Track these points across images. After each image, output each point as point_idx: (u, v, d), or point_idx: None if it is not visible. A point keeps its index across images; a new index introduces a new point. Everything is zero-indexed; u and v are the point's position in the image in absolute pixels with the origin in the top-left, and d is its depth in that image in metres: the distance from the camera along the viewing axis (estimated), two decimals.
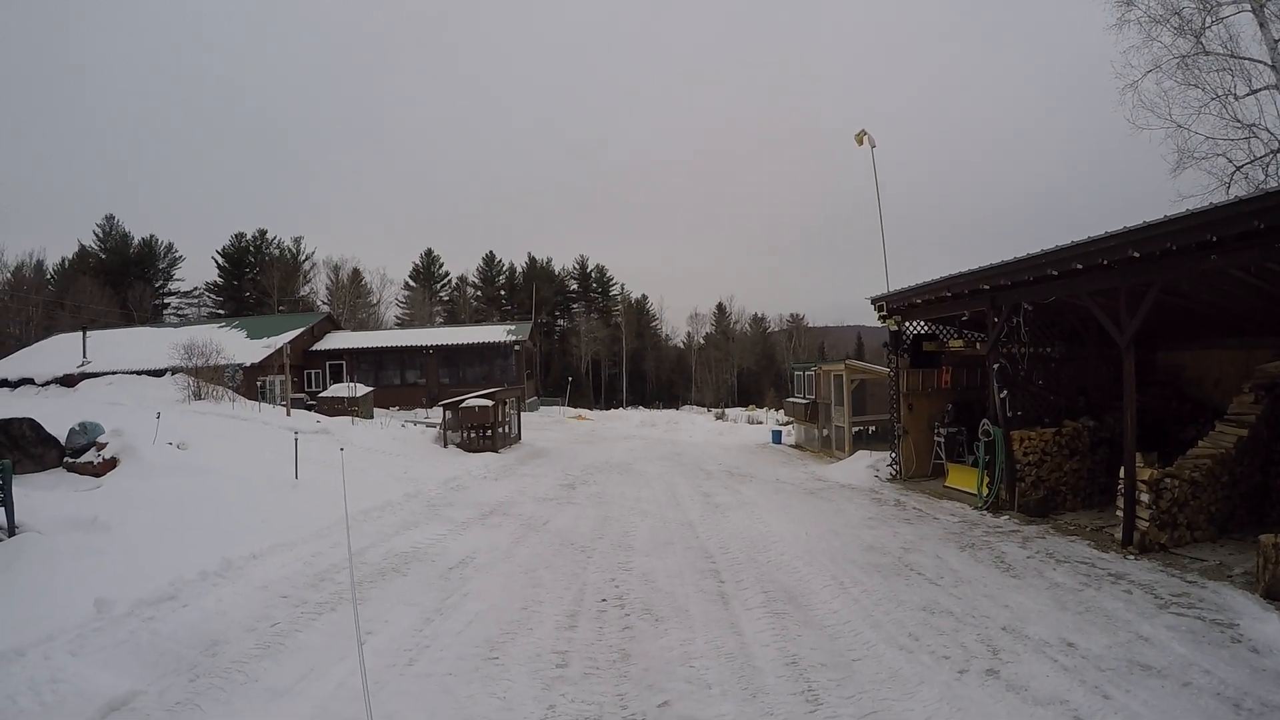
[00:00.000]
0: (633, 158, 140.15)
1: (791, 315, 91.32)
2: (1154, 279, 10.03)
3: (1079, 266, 10.90)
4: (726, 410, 52.67)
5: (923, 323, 17.71)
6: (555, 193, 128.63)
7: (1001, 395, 13.16)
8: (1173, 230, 9.24)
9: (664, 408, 56.65)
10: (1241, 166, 22.68)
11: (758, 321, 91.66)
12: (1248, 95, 22.27)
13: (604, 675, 6.39)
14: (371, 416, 26.97)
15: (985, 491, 13.57)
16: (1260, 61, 21.96)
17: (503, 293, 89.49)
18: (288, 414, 22.01)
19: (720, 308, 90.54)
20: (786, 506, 13.97)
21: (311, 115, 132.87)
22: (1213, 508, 10.79)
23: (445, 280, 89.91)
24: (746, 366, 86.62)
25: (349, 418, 23.90)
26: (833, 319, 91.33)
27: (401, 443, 19.28)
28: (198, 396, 23.59)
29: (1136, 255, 9.83)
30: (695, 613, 8.01)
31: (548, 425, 29.95)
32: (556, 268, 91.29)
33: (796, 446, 25.27)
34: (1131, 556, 10.22)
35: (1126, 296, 10.58)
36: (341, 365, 39.88)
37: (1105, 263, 10.46)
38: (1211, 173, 23.13)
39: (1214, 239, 8.78)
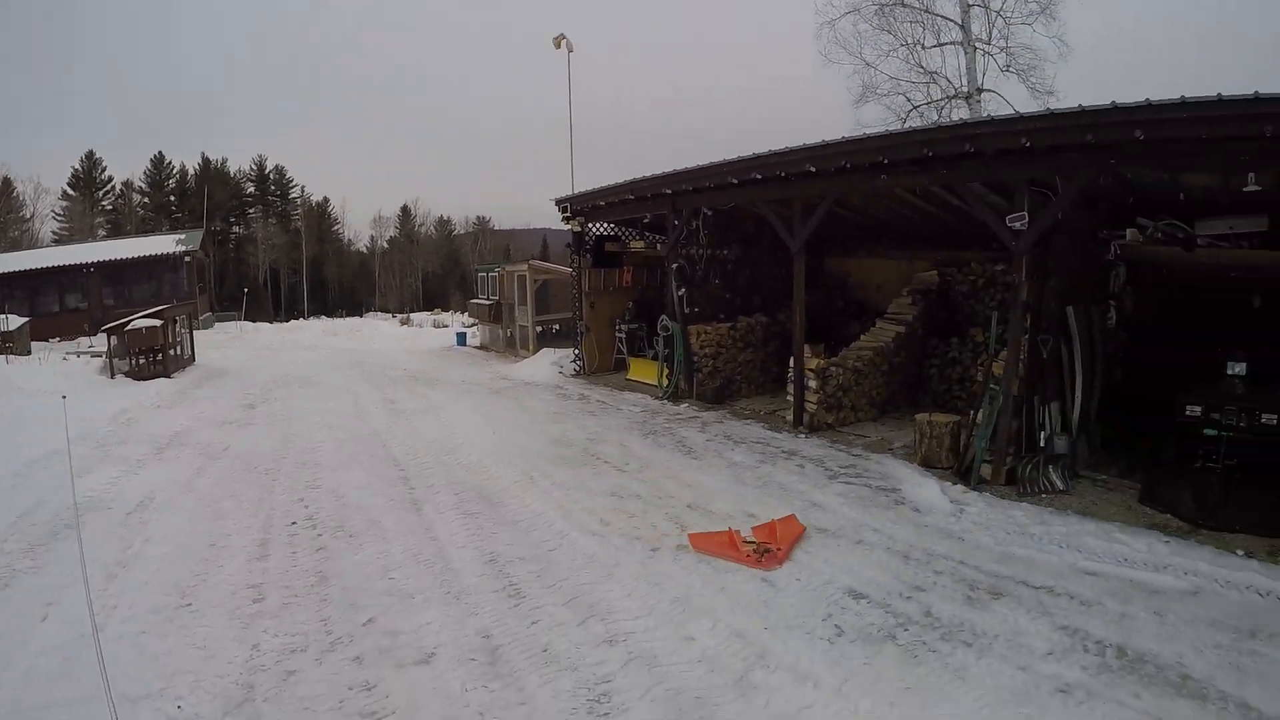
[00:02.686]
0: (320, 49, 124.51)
1: (478, 218, 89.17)
2: (827, 193, 11.04)
3: (758, 176, 11.69)
4: (412, 315, 50.77)
5: (606, 225, 18.07)
6: (233, 84, 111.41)
7: (680, 293, 13.90)
8: (849, 150, 10.15)
9: (348, 316, 53.21)
10: (918, 106, 26.10)
11: (443, 224, 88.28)
12: (935, 47, 25.63)
13: (303, 602, 6.08)
14: (29, 352, 22.24)
15: (665, 383, 14.43)
16: (951, 20, 24.93)
17: (173, 199, 77.11)
18: None
19: (405, 210, 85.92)
20: (474, 408, 13.90)
21: None
22: (874, 392, 12.37)
23: (109, 187, 75.57)
24: (432, 270, 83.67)
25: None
26: (520, 221, 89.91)
27: (65, 378, 16.24)
28: None
29: (813, 170, 10.70)
30: (389, 524, 7.80)
31: (224, 343, 27.08)
32: (233, 169, 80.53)
33: (482, 348, 25.05)
34: (803, 435, 11.42)
35: (801, 207, 11.61)
36: None
37: (783, 175, 11.30)
38: (890, 108, 26.56)
39: (886, 161, 9.77)
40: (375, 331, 34.04)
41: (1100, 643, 5.64)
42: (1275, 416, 8.47)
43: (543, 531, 7.45)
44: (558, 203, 17.81)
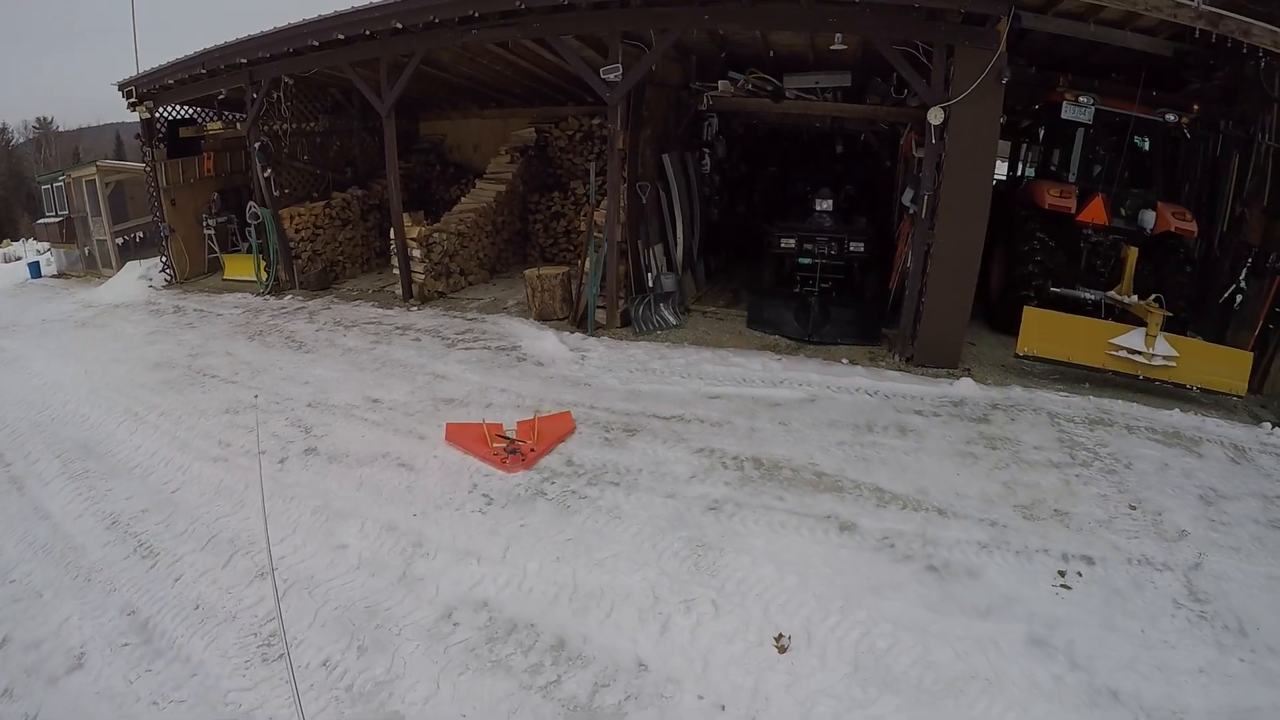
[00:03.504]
0: None
1: (38, 120, 74.78)
2: (416, 50, 10.32)
3: (341, 37, 10.68)
4: None
5: (179, 107, 15.71)
6: None
7: (265, 175, 12.56)
8: (437, 4, 9.49)
9: None
10: None
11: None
12: None
13: None
14: None
15: (265, 276, 13.28)
16: None
17: None
18: None
19: None
20: (60, 349, 11.67)
21: None
22: (482, 254, 12.26)
23: None
24: None
25: None
26: (89, 118, 76.61)
27: None
28: None
29: (400, 26, 9.98)
30: None
31: None
32: None
33: (61, 275, 21.31)
34: (415, 308, 11.09)
35: (388, 68, 10.81)
36: None
37: (369, 33, 10.45)
38: None
39: (476, 14, 9.32)
40: None
41: (737, 458, 6.13)
42: (861, 244, 9.52)
43: (162, 472, 6.62)
44: (120, 86, 15.12)
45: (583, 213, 11.45)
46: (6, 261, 31.34)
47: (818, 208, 9.98)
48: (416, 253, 11.09)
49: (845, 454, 6.21)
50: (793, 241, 9.72)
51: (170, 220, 15.23)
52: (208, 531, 5.55)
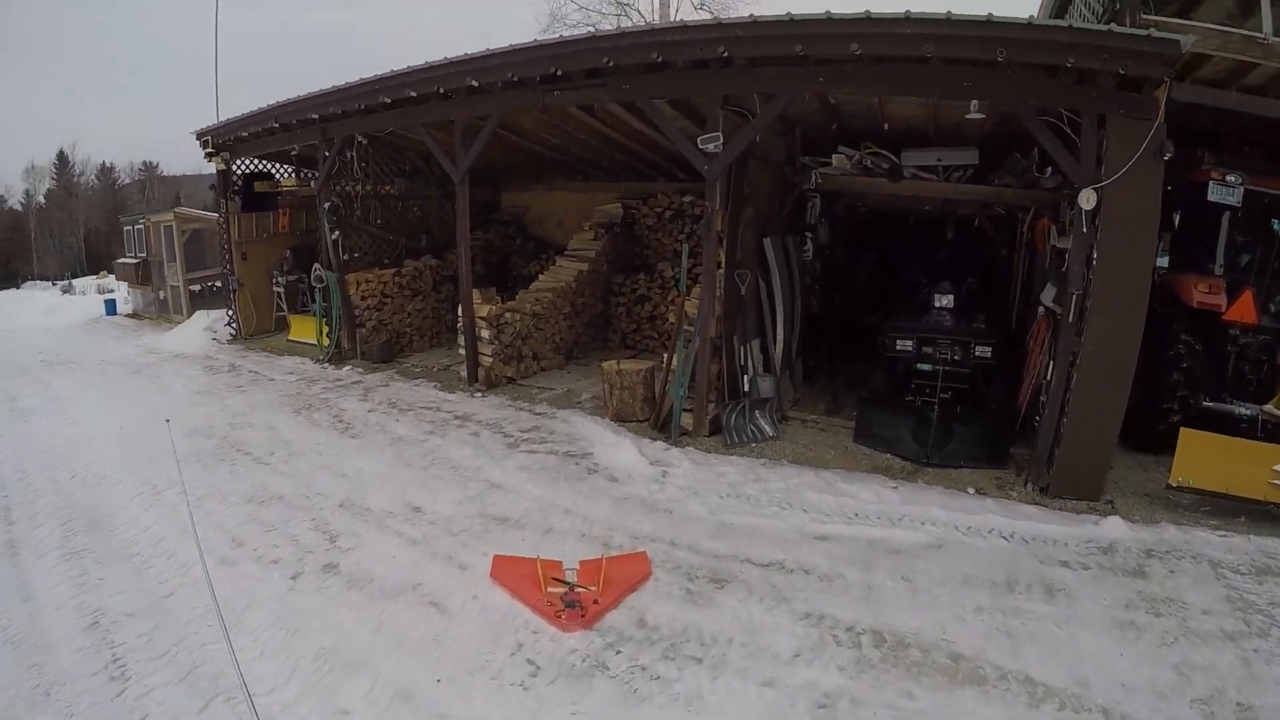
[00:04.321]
0: None
1: (144, 163, 77.97)
2: (494, 112, 9.53)
3: (414, 95, 9.95)
4: (74, 281, 43.38)
5: (255, 160, 15.40)
6: None
7: (334, 236, 11.92)
8: (517, 60, 8.69)
9: (2, 289, 44.23)
10: None
11: (106, 172, 76.09)
12: None
13: None
14: None
15: (326, 342, 12.60)
16: None
17: None
18: None
19: (62, 157, 73.17)
20: (107, 396, 11.27)
21: None
22: (558, 337, 11.21)
23: None
24: (95, 226, 72.11)
25: None
26: (191, 166, 79.40)
27: None
28: None
29: (475, 84, 9.20)
30: None
31: None
32: None
33: (134, 315, 21.59)
34: (479, 394, 10.08)
35: (464, 130, 10.01)
36: None
37: (442, 91, 9.68)
38: None
39: (559, 73, 8.43)
40: (15, 306, 28.56)
41: (852, 629, 4.92)
42: (989, 349, 8.22)
43: (160, 566, 5.81)
44: (198, 136, 14.93)
45: (670, 298, 10.45)
46: (101, 293, 32.22)
47: (936, 304, 8.69)
48: (485, 333, 10.17)
49: (985, 625, 4.91)
50: (910, 344, 8.44)
51: (240, 274, 14.89)
52: (191, 660, 4.62)
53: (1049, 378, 7.10)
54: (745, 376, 8.43)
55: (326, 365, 12.15)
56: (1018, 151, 8.31)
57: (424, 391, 10.35)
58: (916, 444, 7.66)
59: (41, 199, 72.18)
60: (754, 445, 7.95)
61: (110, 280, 40.55)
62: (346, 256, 12.20)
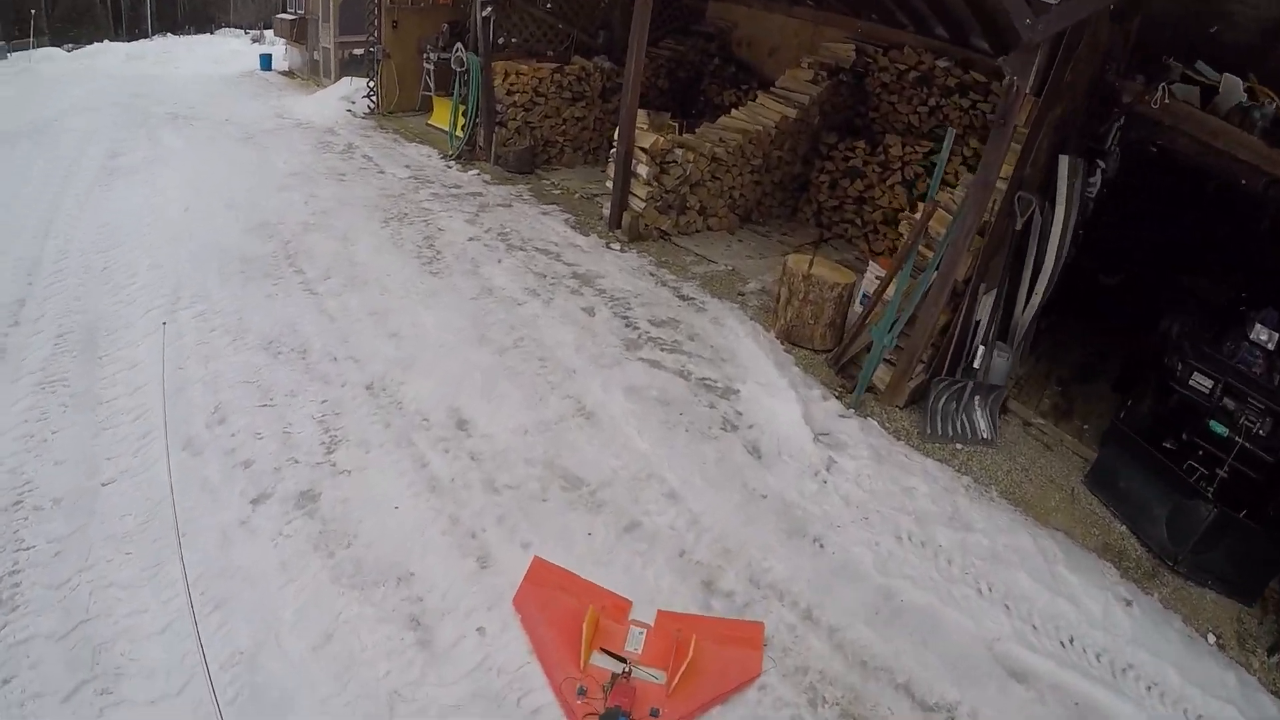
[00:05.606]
0: None
1: None
2: None
3: None
4: (266, 33, 42.79)
5: None
6: None
7: (485, 13, 9.69)
8: None
9: (196, 33, 44.37)
10: None
11: None
12: None
13: None
14: None
15: (460, 135, 10.73)
16: None
17: None
18: None
19: None
20: (203, 163, 9.93)
21: None
22: (736, 193, 8.81)
23: None
24: None
25: None
26: None
27: None
28: None
29: None
30: None
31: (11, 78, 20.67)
32: None
33: (288, 73, 20.68)
34: (616, 247, 7.94)
35: None
36: None
37: None
38: None
39: None
40: (190, 54, 28.24)
41: None
42: None
43: (122, 430, 4.62)
44: None
45: (887, 181, 7.75)
46: (255, 43, 31.72)
47: (1253, 337, 5.44)
48: (644, 169, 7.76)
49: None
50: (1209, 386, 5.32)
51: (387, 44, 13.09)
52: (83, 602, 3.42)
53: None
54: (977, 344, 5.73)
55: (451, 164, 10.34)
56: None
57: (550, 225, 8.27)
58: (1169, 534, 4.81)
59: None
60: (959, 447, 5.43)
61: (270, 34, 39.83)
62: (501, 39, 10.02)
